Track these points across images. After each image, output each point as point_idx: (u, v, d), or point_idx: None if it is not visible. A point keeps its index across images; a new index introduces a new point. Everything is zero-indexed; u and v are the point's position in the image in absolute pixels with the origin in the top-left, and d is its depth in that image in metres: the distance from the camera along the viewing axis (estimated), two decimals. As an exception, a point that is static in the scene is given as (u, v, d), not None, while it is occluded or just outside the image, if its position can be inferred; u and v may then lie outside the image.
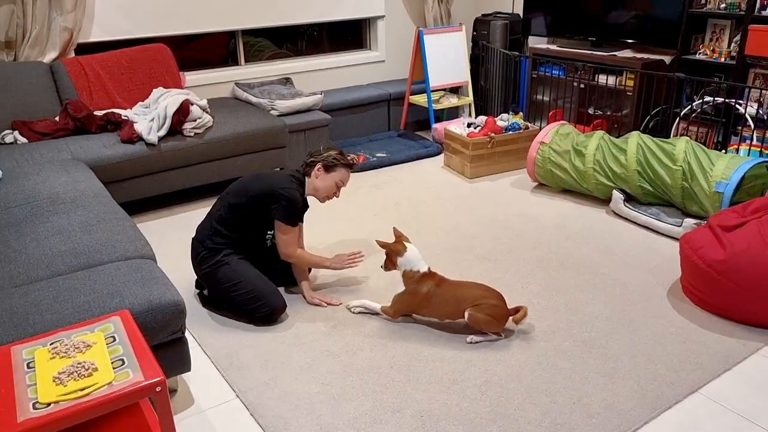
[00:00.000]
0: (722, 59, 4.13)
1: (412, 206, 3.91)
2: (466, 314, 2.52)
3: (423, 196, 4.07)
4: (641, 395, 2.24)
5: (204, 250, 2.72)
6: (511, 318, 2.57)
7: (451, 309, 2.57)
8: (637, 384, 2.30)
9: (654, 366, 2.39)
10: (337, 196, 2.90)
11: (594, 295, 2.89)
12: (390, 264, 2.68)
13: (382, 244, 2.68)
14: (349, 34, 5.47)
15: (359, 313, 2.77)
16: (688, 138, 3.51)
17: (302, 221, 2.91)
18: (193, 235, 2.82)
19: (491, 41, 5.29)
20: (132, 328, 1.80)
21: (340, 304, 2.84)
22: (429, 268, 2.65)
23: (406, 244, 2.66)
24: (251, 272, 2.70)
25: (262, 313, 2.65)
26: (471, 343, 2.54)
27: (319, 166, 2.81)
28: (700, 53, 4.29)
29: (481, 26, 5.40)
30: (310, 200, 3.89)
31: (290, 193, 2.68)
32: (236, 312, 2.74)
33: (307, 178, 2.84)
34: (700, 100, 4.11)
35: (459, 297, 2.56)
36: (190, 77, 4.56)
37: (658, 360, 2.43)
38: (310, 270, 3.00)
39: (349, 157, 2.91)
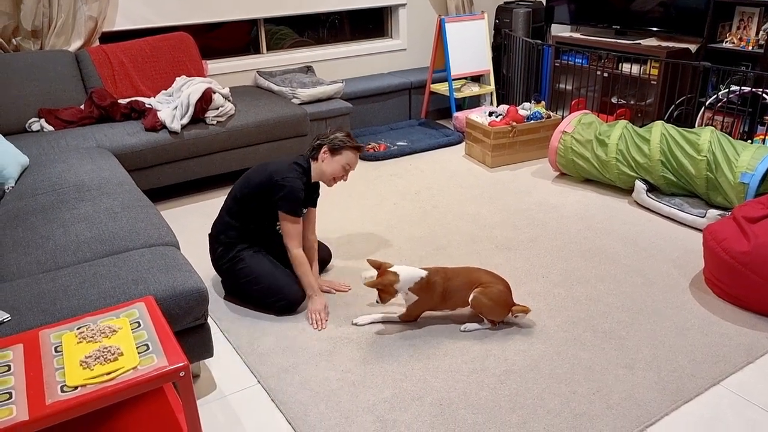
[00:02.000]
0: (750, 48, 4.05)
1: (432, 195, 3.91)
2: (471, 296, 2.51)
3: (443, 185, 4.06)
4: (661, 387, 2.23)
5: (220, 246, 2.74)
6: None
7: (467, 294, 2.56)
8: (657, 375, 2.28)
9: (675, 357, 2.38)
10: (345, 180, 2.80)
11: (615, 285, 2.88)
12: (387, 295, 2.50)
13: (372, 284, 2.50)
14: (371, 23, 5.45)
15: (369, 323, 2.63)
16: (712, 128, 3.46)
17: (315, 206, 2.88)
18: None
19: (514, 29, 5.24)
20: (156, 314, 1.84)
21: (350, 289, 2.86)
22: (426, 269, 2.57)
23: (393, 269, 2.51)
24: (267, 266, 2.70)
25: (281, 305, 2.67)
26: (465, 331, 2.55)
27: (325, 149, 2.72)
28: (727, 42, 4.21)
29: (503, 14, 5.35)
30: (324, 188, 3.94)
31: (290, 182, 2.62)
32: (257, 305, 2.76)
33: (313, 163, 2.76)
34: (726, 90, 4.04)
35: (471, 281, 2.55)
36: (213, 65, 4.59)
37: (679, 352, 2.41)
38: (322, 258, 3.01)
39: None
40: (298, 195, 2.63)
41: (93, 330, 1.75)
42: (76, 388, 1.55)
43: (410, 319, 2.64)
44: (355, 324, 2.62)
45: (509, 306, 2.55)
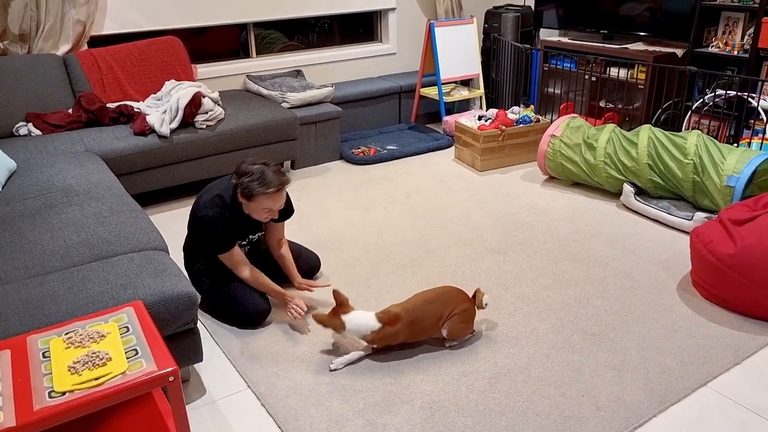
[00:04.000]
0: (735, 52, 4.09)
1: (422, 199, 3.92)
2: (444, 333, 2.43)
3: (433, 189, 4.07)
4: (649, 389, 2.25)
5: (189, 271, 2.76)
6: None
7: (435, 326, 2.43)
8: (645, 377, 2.30)
9: (663, 359, 2.40)
10: (274, 218, 2.57)
11: (603, 288, 2.89)
12: (337, 331, 2.39)
13: (318, 321, 2.41)
14: (361, 27, 5.47)
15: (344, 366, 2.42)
16: (699, 132, 3.49)
17: (280, 221, 2.72)
18: None
19: (503, 34, 5.27)
20: (145, 319, 1.83)
21: (329, 285, 2.79)
22: (383, 315, 2.38)
23: (347, 316, 2.36)
24: (227, 285, 2.66)
25: (243, 318, 2.61)
26: (452, 347, 2.49)
27: (239, 192, 2.48)
28: (713, 46, 4.26)
29: (492, 18, 5.38)
30: (313, 193, 3.93)
31: (208, 219, 2.49)
32: (223, 316, 2.71)
33: (241, 199, 2.53)
34: (712, 94, 4.09)
35: (435, 314, 2.41)
36: (202, 69, 4.58)
37: (666, 353, 2.43)
38: (310, 266, 2.97)
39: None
40: (217, 232, 2.50)
41: (81, 335, 1.75)
42: (64, 393, 1.54)
43: (377, 343, 2.42)
44: (332, 369, 2.37)
45: (474, 312, 2.48)
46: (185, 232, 3.49)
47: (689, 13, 4.27)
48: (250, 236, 2.74)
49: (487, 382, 2.29)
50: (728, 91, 4.02)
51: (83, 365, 1.63)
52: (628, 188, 3.67)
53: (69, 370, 1.61)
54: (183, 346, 2.15)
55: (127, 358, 1.66)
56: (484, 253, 3.22)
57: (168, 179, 3.75)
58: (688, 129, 4.24)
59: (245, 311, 2.61)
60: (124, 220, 2.51)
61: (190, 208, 3.79)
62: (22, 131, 3.65)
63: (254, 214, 2.53)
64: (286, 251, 2.79)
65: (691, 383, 2.28)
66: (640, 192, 3.69)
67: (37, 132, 3.65)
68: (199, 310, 2.77)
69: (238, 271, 2.60)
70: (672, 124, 4.44)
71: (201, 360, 2.23)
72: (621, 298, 2.82)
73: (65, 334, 1.76)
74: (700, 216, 3.33)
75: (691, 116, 4.29)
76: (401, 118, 5.30)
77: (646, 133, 3.63)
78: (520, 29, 5.27)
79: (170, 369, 1.62)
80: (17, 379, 1.60)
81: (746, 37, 4.10)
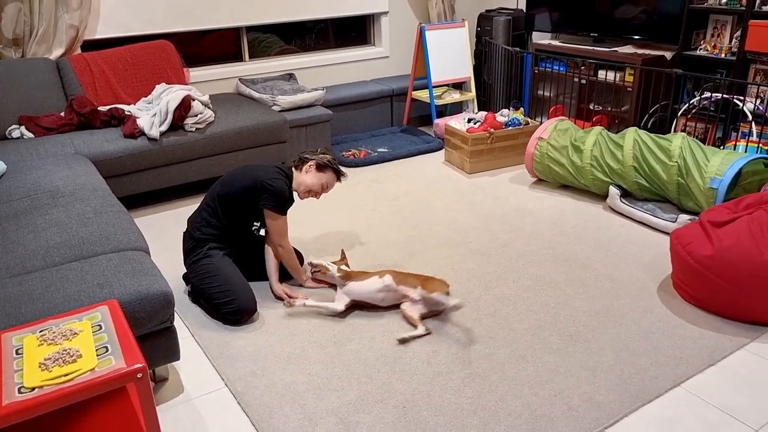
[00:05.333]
0: (723, 55, 4.11)
1: (409, 201, 3.95)
2: (418, 292, 2.70)
3: (421, 191, 4.10)
4: (623, 389, 2.26)
5: (192, 241, 2.80)
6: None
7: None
8: (619, 378, 2.32)
9: (638, 360, 2.42)
10: (317, 198, 2.94)
11: (584, 290, 2.91)
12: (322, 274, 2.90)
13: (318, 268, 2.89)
14: (354, 30, 5.51)
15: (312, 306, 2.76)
16: (684, 134, 3.51)
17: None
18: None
19: (494, 37, 5.30)
20: (118, 318, 1.86)
21: (307, 299, 2.80)
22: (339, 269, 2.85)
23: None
24: (230, 269, 2.74)
25: (229, 309, 2.64)
26: (405, 340, 2.58)
27: (312, 163, 2.88)
28: (701, 49, 4.27)
29: (484, 22, 5.41)
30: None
31: (277, 184, 2.75)
32: (209, 306, 2.76)
33: (295, 171, 2.90)
34: (700, 96, 4.10)
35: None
36: (195, 73, 4.63)
37: (642, 354, 2.45)
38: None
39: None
40: (285, 195, 2.78)
41: (54, 333, 1.78)
42: (33, 389, 1.57)
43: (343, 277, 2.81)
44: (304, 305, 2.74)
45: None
46: (174, 233, 3.56)
47: (678, 15, 4.29)
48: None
49: (461, 381, 2.31)
50: (715, 94, 4.04)
51: (54, 362, 1.66)
52: (614, 190, 3.69)
53: (40, 367, 1.65)
54: (160, 344, 2.18)
55: (98, 355, 1.69)
56: (467, 255, 3.25)
57: (157, 181, 3.79)
58: (676, 132, 4.25)
59: (235, 303, 2.65)
60: (107, 221, 2.55)
61: (178, 210, 3.86)
62: (15, 134, 3.70)
63: (308, 185, 2.86)
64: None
65: (664, 383, 2.29)
66: (625, 194, 3.71)
67: (30, 135, 3.70)
68: (177, 311, 2.81)
69: (286, 237, 2.84)
70: (660, 127, 4.45)
71: (178, 359, 2.26)
72: (601, 299, 2.84)
73: (39, 332, 1.80)
74: (684, 218, 3.35)
75: (680, 119, 4.30)
76: (393, 121, 5.33)
77: (631, 135, 3.65)
78: (512, 32, 5.29)
79: (138, 366, 1.65)
80: (-11, 375, 1.64)
81: (734, 39, 4.11)
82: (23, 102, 3.79)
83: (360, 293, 2.74)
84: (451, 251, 3.29)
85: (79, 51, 4.17)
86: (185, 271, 3.01)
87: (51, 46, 4.03)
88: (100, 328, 1.82)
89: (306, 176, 2.88)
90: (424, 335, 2.58)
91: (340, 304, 2.73)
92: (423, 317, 2.66)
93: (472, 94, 5.25)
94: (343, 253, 2.99)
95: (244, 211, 2.80)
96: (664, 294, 2.87)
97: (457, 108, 5.56)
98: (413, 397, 2.24)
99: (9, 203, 2.74)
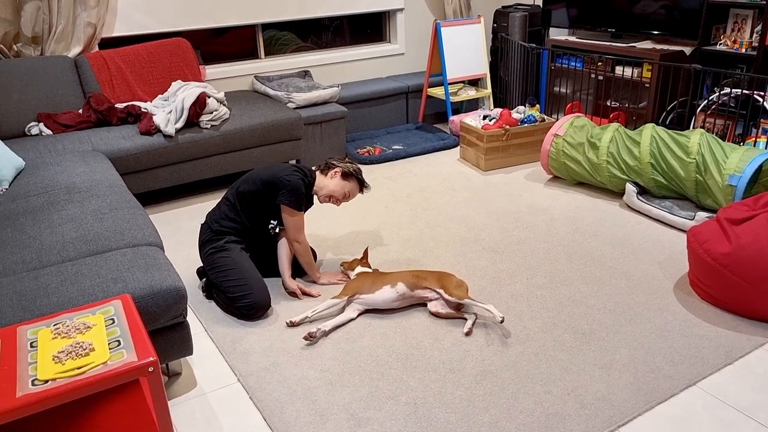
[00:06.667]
0: (743, 50, 4.04)
1: (423, 198, 3.94)
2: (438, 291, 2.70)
3: (435, 188, 4.09)
4: (637, 387, 2.24)
5: (210, 232, 2.82)
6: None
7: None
8: (633, 376, 2.30)
9: (653, 359, 2.39)
10: (337, 204, 2.95)
11: (599, 287, 2.89)
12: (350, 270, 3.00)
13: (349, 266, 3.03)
14: (369, 27, 5.50)
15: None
16: (702, 130, 3.46)
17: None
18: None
19: (511, 33, 5.27)
20: (131, 312, 1.88)
21: (319, 295, 2.87)
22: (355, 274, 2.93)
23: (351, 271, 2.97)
24: (246, 263, 2.76)
25: (244, 303, 2.66)
26: (469, 332, 2.58)
27: (338, 169, 2.90)
28: (721, 44, 4.21)
29: (501, 18, 5.38)
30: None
31: (293, 180, 2.76)
32: (222, 300, 2.78)
33: (320, 175, 2.92)
34: (720, 92, 4.04)
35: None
36: (211, 70, 4.66)
37: (657, 353, 2.42)
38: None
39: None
40: (301, 191, 2.77)
41: (68, 326, 1.80)
42: (46, 381, 1.59)
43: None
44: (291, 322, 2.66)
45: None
46: (189, 229, 3.58)
47: (697, 10, 4.22)
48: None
49: (473, 379, 2.30)
50: (736, 90, 3.98)
51: (67, 355, 1.68)
52: (630, 187, 3.65)
53: (53, 360, 1.67)
54: (173, 339, 2.20)
55: (110, 348, 1.71)
56: (480, 252, 3.23)
57: (173, 178, 3.82)
58: (695, 128, 4.19)
59: (250, 298, 2.66)
60: (122, 217, 2.57)
61: (193, 207, 3.89)
62: (34, 131, 3.75)
63: (330, 189, 2.89)
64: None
65: (679, 383, 2.27)
66: (642, 191, 3.67)
67: (48, 132, 3.74)
68: (190, 306, 2.83)
69: (303, 232, 2.85)
70: (679, 123, 4.40)
71: (191, 353, 2.28)
72: (615, 297, 2.81)
73: (53, 325, 1.82)
74: (702, 216, 3.30)
75: (699, 115, 4.24)
76: (409, 118, 5.32)
77: (649, 131, 3.60)
78: (528, 28, 5.25)
79: (150, 359, 1.67)
80: (4, 367, 1.66)
81: (755, 34, 4.04)
82: (42, 99, 3.84)
83: (374, 304, 2.72)
84: (464, 248, 3.28)
85: (96, 49, 4.21)
86: (199, 266, 3.03)
87: (69, 44, 4.08)
88: (113, 322, 1.84)
89: (330, 181, 2.90)
90: (475, 320, 2.62)
91: (352, 313, 2.71)
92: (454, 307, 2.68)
93: (488, 91, 5.22)
94: (366, 251, 3.00)
95: (262, 207, 2.82)
96: (681, 292, 2.84)
97: (472, 105, 5.54)
98: (424, 393, 2.23)
99: (27, 199, 2.78)
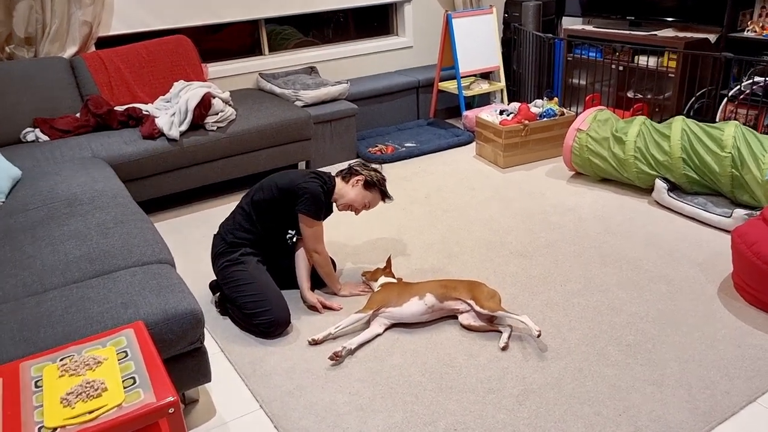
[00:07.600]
0: (773, 36, 3.86)
1: (442, 199, 3.76)
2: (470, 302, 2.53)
3: (454, 188, 3.90)
4: (693, 406, 2.07)
5: (224, 244, 2.63)
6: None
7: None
8: (688, 393, 2.12)
9: (706, 373, 2.21)
10: (356, 214, 2.79)
11: (638, 293, 2.71)
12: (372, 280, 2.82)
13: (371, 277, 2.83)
14: (375, 20, 5.30)
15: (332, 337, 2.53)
16: (737, 122, 3.28)
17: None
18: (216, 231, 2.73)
19: (523, 23, 5.07)
20: (145, 342, 1.70)
21: (341, 308, 2.70)
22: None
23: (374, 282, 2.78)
24: (264, 277, 2.58)
25: (262, 321, 2.48)
26: (505, 346, 2.40)
27: (360, 178, 2.72)
28: (748, 30, 4.02)
29: (512, 8, 5.18)
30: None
31: (312, 187, 2.58)
32: (238, 317, 2.60)
33: (341, 182, 2.73)
34: (749, 81, 3.86)
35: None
36: (213, 69, 4.46)
37: (710, 366, 2.25)
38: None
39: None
40: (320, 199, 2.59)
41: (76, 362, 1.62)
42: (55, 429, 1.42)
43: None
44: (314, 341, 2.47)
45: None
46: (197, 239, 3.39)
47: (722, -5, 4.04)
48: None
49: (515, 400, 2.12)
50: (766, 78, 3.79)
51: (77, 396, 1.50)
52: (660, 184, 3.47)
53: (62, 402, 1.49)
54: (189, 366, 2.02)
55: (125, 387, 1.53)
56: (508, 257, 3.05)
57: (178, 184, 3.63)
58: (722, 119, 4.01)
59: (269, 314, 2.48)
60: (129, 231, 2.38)
61: (200, 213, 3.70)
62: (30, 137, 3.56)
63: (350, 199, 2.71)
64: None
65: (738, 399, 2.09)
66: (673, 188, 3.48)
67: (45, 138, 3.55)
68: (207, 328, 2.64)
69: (322, 243, 2.67)
70: (705, 114, 4.21)
71: (209, 380, 2.10)
72: (657, 304, 2.63)
73: (60, 360, 1.64)
74: (739, 213, 3.12)
75: (727, 105, 4.06)
76: (420, 114, 5.13)
77: (679, 124, 3.42)
78: (542, 18, 5.06)
79: (170, 400, 1.49)
80: (7, 411, 1.49)
81: (784, 20, 3.86)
82: (37, 103, 3.64)
83: (401, 318, 2.54)
84: (491, 253, 3.10)
85: (93, 49, 4.01)
86: (212, 279, 2.85)
87: (64, 45, 3.88)
88: (126, 355, 1.65)
89: (351, 190, 2.71)
90: (511, 333, 2.45)
91: (379, 328, 2.53)
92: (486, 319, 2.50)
93: (502, 84, 5.03)
94: (389, 260, 2.82)
95: (279, 216, 2.63)
96: (726, 297, 2.66)
97: (485, 99, 5.34)
98: (464, 418, 2.06)
99: (25, 213, 2.59)
